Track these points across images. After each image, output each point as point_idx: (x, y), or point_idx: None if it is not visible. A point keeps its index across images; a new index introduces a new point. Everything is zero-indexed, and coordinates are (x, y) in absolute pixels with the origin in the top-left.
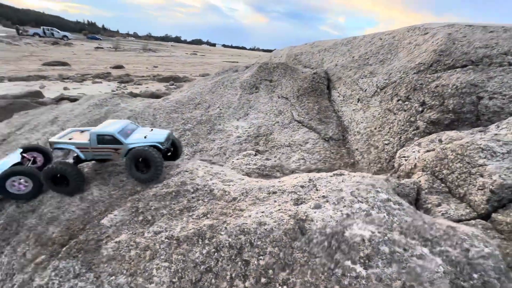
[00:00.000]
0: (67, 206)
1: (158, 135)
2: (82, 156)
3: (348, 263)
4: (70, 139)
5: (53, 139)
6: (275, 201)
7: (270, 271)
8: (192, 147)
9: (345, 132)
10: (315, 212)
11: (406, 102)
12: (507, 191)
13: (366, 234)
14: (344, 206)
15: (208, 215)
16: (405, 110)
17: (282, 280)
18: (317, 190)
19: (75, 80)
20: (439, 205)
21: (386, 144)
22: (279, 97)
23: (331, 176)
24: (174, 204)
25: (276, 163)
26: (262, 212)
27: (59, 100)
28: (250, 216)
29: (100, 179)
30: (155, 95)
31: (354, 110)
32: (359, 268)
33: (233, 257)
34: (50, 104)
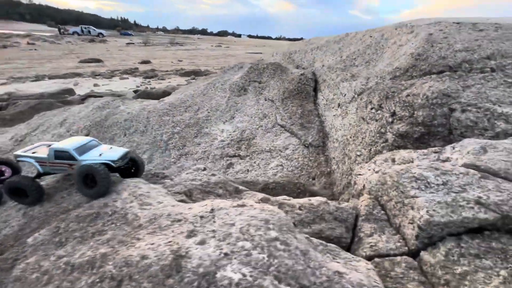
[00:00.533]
0: (11, 220)
1: (112, 153)
2: (40, 169)
3: None
4: (34, 153)
5: (17, 152)
6: (172, 231)
7: None
8: (179, 151)
9: (326, 138)
10: (196, 249)
11: (379, 111)
12: (435, 228)
13: (236, 278)
14: (228, 243)
15: (110, 242)
16: (376, 120)
17: None
18: (213, 222)
19: (105, 76)
20: (371, 235)
21: (358, 155)
22: (265, 100)
23: (233, 207)
24: (90, 226)
25: (220, 179)
26: (152, 244)
27: (85, 97)
28: (139, 247)
29: (48, 195)
30: (167, 93)
31: (334, 115)
32: None
33: None
34: (78, 102)
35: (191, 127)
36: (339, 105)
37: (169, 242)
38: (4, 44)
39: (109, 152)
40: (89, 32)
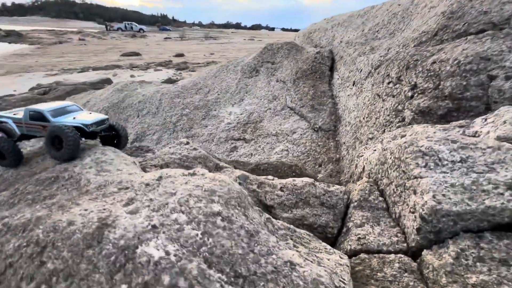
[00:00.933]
0: None
1: (87, 118)
2: (16, 130)
3: None
4: (14, 114)
5: None
6: (114, 198)
7: (54, 279)
8: (186, 132)
9: (338, 122)
10: (125, 218)
11: (397, 85)
12: (445, 220)
13: (156, 256)
14: (161, 214)
15: (52, 206)
16: (393, 96)
17: None
18: (155, 190)
19: (141, 68)
20: (361, 225)
21: (370, 138)
22: (277, 81)
23: (182, 175)
24: (45, 190)
25: (200, 154)
26: (85, 210)
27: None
28: (73, 212)
29: (27, 159)
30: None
31: (349, 95)
32: None
33: (34, 255)
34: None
35: (199, 109)
36: (354, 83)
37: (103, 209)
38: (60, 40)
39: (84, 116)
40: (132, 28)
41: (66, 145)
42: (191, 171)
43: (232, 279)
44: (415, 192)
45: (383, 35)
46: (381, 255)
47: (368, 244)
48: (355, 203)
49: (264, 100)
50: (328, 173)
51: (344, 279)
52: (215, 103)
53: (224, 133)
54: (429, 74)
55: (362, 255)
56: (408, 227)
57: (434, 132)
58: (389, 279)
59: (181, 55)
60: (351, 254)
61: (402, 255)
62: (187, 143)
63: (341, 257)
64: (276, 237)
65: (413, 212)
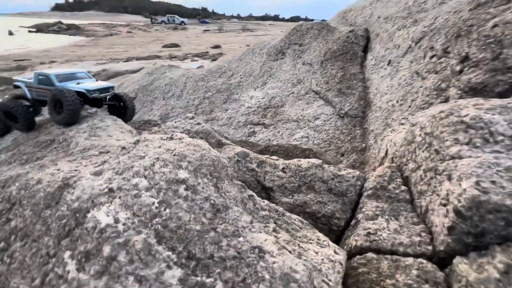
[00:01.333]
0: (2, 141)
1: (90, 84)
2: (28, 94)
3: (66, 255)
4: (29, 79)
5: (16, 77)
6: (90, 161)
7: (13, 237)
8: (206, 115)
9: (367, 107)
10: (87, 179)
11: (442, 59)
12: (493, 217)
13: (104, 222)
14: (123, 178)
15: (37, 165)
16: (436, 72)
17: (13, 251)
18: (128, 153)
19: (179, 58)
20: (373, 218)
21: (401, 124)
22: (303, 64)
23: (159, 139)
24: (39, 151)
25: (203, 129)
26: (58, 170)
27: None
28: (46, 171)
29: (40, 125)
30: None
31: (382, 76)
32: (70, 266)
33: (4, 211)
34: None
35: (221, 92)
36: (389, 62)
37: (74, 170)
38: (111, 33)
39: (88, 83)
40: (174, 20)
41: (65, 109)
42: (169, 135)
43: (183, 260)
44: (449, 178)
45: (432, 5)
46: (395, 257)
47: (380, 241)
48: (369, 191)
49: (288, 84)
50: (350, 163)
51: (329, 280)
52: (238, 86)
53: (243, 117)
54: (487, 41)
55: (370, 255)
56: (436, 225)
57: (487, 100)
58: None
59: (217, 46)
60: (356, 251)
61: (425, 261)
62: (192, 117)
63: (335, 252)
64: (253, 217)
65: (445, 205)
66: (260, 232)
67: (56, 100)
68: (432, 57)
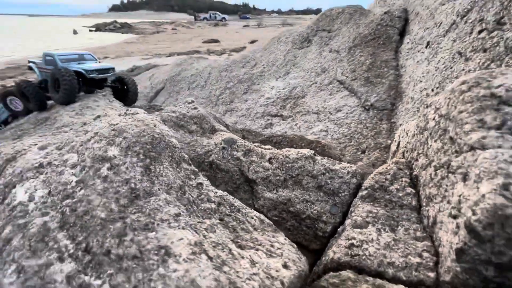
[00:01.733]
0: (19, 119)
1: (91, 65)
2: (38, 74)
3: None
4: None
5: (29, 59)
6: (55, 137)
7: None
8: (226, 106)
9: (398, 98)
10: (31, 153)
11: (494, 33)
12: None
13: (18, 199)
14: (59, 153)
15: (17, 141)
16: (485, 50)
17: None
18: (81, 129)
19: (217, 53)
20: (361, 225)
21: None
22: (330, 51)
23: (119, 115)
24: (33, 128)
25: (198, 114)
26: (22, 144)
27: None
28: (11, 146)
29: (53, 106)
30: None
31: (418, 61)
32: None
33: None
34: None
35: (243, 82)
36: (428, 43)
37: (33, 144)
38: (157, 30)
39: (89, 64)
40: (215, 17)
41: (62, 88)
42: (128, 111)
43: (80, 253)
44: (464, 178)
45: None
46: (379, 281)
47: (364, 258)
48: (364, 192)
49: (311, 73)
50: (371, 161)
51: None
52: (259, 76)
53: (261, 108)
54: None
55: (346, 273)
56: (444, 245)
57: None
58: None
59: (255, 41)
60: (332, 267)
61: None
62: (192, 102)
63: (285, 267)
64: (186, 209)
65: (455, 217)
66: (181, 228)
67: (55, 80)
68: (480, 31)
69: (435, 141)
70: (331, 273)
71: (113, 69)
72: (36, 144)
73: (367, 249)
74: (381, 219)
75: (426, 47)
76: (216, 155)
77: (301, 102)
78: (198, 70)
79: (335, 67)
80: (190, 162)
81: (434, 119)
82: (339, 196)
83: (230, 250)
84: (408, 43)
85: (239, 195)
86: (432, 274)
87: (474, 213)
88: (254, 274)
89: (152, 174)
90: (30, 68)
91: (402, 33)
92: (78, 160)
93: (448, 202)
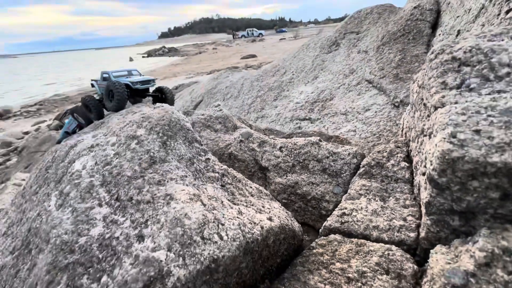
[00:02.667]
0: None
1: (135, 78)
2: (97, 89)
3: (53, 194)
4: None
5: (92, 78)
6: (107, 128)
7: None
8: (257, 113)
9: None
10: (87, 140)
11: None
12: (477, 185)
13: (75, 169)
14: (105, 137)
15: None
16: None
17: (31, 190)
18: (124, 118)
19: (254, 68)
20: (354, 197)
21: None
22: (358, 52)
23: (149, 108)
24: (93, 130)
25: (222, 114)
26: (81, 137)
27: None
28: (75, 139)
29: (108, 116)
30: None
31: None
32: (52, 202)
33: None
34: None
35: (273, 90)
36: (458, 32)
37: (90, 136)
38: (200, 51)
39: (133, 77)
40: (253, 33)
41: (115, 98)
42: (156, 105)
43: (113, 201)
44: (430, 136)
45: None
46: (361, 241)
47: (352, 223)
48: (361, 170)
49: (340, 75)
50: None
51: (226, 234)
52: (289, 83)
53: (290, 113)
54: None
55: (333, 236)
56: (422, 204)
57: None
58: (350, 275)
59: (254, 55)
60: (325, 233)
61: (394, 248)
62: (218, 105)
63: (269, 219)
64: (193, 175)
65: (424, 174)
66: (185, 185)
67: (110, 91)
68: (508, 11)
69: (417, 111)
70: (321, 237)
71: (153, 80)
72: (93, 136)
73: (355, 216)
74: (373, 191)
75: (456, 36)
76: (234, 147)
77: (329, 104)
78: (232, 82)
79: (364, 67)
80: (202, 143)
81: (416, 91)
82: (341, 177)
83: (222, 202)
84: (439, 35)
85: (254, 182)
86: (413, 234)
87: (431, 164)
88: (238, 217)
89: (167, 148)
90: (92, 86)
91: (434, 26)
92: (116, 140)
93: (421, 162)
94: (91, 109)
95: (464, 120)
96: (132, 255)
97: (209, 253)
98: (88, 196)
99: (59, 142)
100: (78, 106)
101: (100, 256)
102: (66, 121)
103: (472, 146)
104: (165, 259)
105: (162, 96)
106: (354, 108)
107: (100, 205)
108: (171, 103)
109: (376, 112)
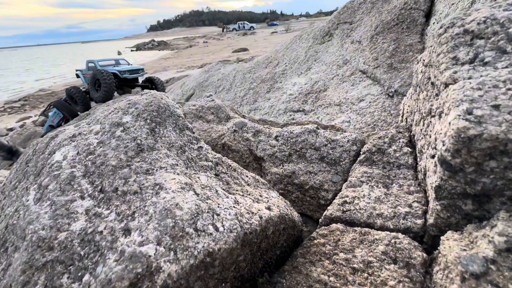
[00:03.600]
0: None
1: (123, 67)
2: (83, 79)
3: (32, 188)
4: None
5: (76, 68)
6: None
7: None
8: (249, 106)
9: None
10: (68, 130)
11: None
12: (495, 165)
13: (55, 160)
14: (88, 125)
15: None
16: None
17: (10, 185)
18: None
19: (245, 61)
20: (355, 185)
21: None
22: (352, 43)
23: (137, 95)
24: (76, 122)
25: (214, 104)
26: (63, 128)
27: None
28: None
29: (96, 108)
30: None
31: None
32: (30, 197)
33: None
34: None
35: (266, 82)
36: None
37: (75, 126)
38: (190, 44)
39: (121, 66)
40: (244, 27)
41: (102, 86)
42: (144, 92)
43: (96, 193)
44: (440, 116)
45: None
46: (365, 229)
47: (355, 212)
48: (362, 156)
49: (333, 66)
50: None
51: (222, 225)
52: (282, 75)
53: (283, 105)
54: None
55: (335, 225)
56: (429, 189)
57: None
58: (355, 265)
59: (245, 49)
60: (326, 223)
61: (401, 236)
62: (210, 95)
63: (268, 208)
64: (185, 163)
65: (433, 156)
66: (176, 174)
67: (96, 80)
68: None
69: (422, 92)
70: (322, 227)
71: (142, 69)
72: (76, 126)
73: (358, 204)
74: (375, 178)
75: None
76: (228, 138)
77: (322, 95)
78: (224, 74)
79: (357, 58)
80: (193, 130)
81: (421, 71)
82: (340, 165)
83: (216, 191)
84: (434, 23)
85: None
86: (419, 221)
87: (443, 144)
88: (234, 207)
89: (156, 135)
90: (78, 76)
91: (428, 15)
92: (100, 128)
93: (429, 144)
94: (76, 101)
95: (480, 95)
96: (117, 250)
97: (203, 246)
98: (68, 188)
99: (43, 136)
100: (60, 99)
101: (82, 252)
102: (50, 113)
103: (490, 123)
104: (154, 254)
105: (152, 86)
106: (348, 98)
107: (82, 197)
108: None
109: (370, 102)
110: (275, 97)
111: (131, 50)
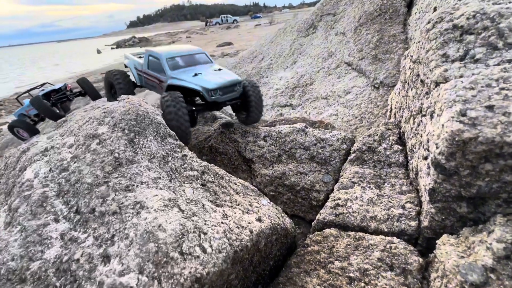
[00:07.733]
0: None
1: (210, 80)
2: (137, 79)
3: (2, 210)
4: (140, 57)
5: (126, 53)
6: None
7: None
8: None
9: None
10: (41, 141)
11: None
12: (490, 168)
13: (26, 178)
14: (62, 137)
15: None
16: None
17: None
18: (91, 112)
19: (230, 56)
20: (347, 186)
21: None
22: (336, 34)
23: (118, 102)
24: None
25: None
26: (44, 134)
27: None
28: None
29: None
30: None
31: None
32: (1, 219)
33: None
34: None
35: (252, 77)
36: (435, 9)
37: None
38: (173, 40)
39: (206, 77)
40: (227, 20)
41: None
42: (120, 98)
43: (72, 215)
44: (432, 116)
45: None
46: (360, 234)
47: (348, 215)
48: (352, 155)
49: (318, 59)
50: None
51: (209, 246)
52: (268, 69)
53: (271, 100)
54: None
55: (329, 230)
56: (422, 191)
57: None
58: (351, 274)
59: (230, 43)
60: (319, 227)
61: (396, 240)
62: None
63: (259, 220)
64: (168, 175)
65: (426, 158)
66: (159, 189)
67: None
68: None
69: (411, 89)
70: (316, 232)
71: (239, 83)
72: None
73: (350, 206)
74: (366, 178)
75: (433, 12)
76: (215, 140)
77: (309, 89)
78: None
79: (342, 50)
80: (176, 138)
81: (409, 67)
82: (330, 164)
83: (203, 205)
84: (416, 13)
85: (238, 175)
86: (413, 223)
87: (437, 147)
88: (223, 222)
89: (136, 146)
90: (126, 66)
91: (410, 4)
92: (74, 140)
93: (421, 145)
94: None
95: (473, 95)
96: (95, 281)
97: (190, 272)
98: (40, 210)
99: (11, 126)
100: (38, 95)
101: (58, 284)
102: (26, 101)
103: (485, 125)
104: (136, 285)
105: (241, 101)
106: (334, 91)
107: (56, 220)
108: (258, 111)
109: (356, 94)
110: (261, 92)
111: (111, 48)
